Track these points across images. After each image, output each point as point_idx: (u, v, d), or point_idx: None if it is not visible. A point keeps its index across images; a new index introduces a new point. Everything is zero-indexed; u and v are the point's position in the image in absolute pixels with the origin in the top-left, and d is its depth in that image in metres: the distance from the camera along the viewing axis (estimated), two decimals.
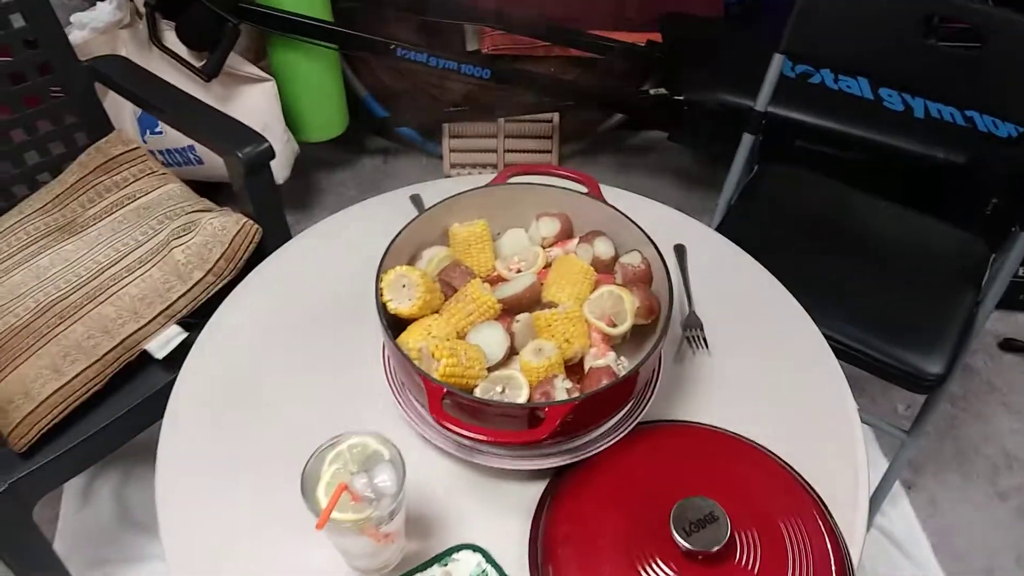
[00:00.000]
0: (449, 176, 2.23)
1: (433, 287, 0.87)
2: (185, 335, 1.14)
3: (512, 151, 2.22)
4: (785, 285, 1.05)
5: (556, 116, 2.17)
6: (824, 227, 1.42)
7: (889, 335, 1.23)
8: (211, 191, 1.44)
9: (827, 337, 0.98)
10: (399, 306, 0.84)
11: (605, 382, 0.79)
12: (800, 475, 0.83)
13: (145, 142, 1.75)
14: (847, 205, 1.45)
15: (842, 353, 1.22)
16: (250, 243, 1.21)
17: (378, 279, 0.85)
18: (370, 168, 2.28)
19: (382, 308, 0.84)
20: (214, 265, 1.18)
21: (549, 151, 2.23)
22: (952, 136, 1.74)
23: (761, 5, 2.17)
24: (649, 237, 0.90)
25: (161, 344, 1.13)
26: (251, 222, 1.22)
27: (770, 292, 1.05)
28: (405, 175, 2.27)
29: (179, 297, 1.16)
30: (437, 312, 0.88)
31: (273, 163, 1.83)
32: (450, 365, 0.77)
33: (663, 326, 0.82)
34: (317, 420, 0.88)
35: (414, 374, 0.77)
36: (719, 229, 1.40)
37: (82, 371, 1.09)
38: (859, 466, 0.85)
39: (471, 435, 0.73)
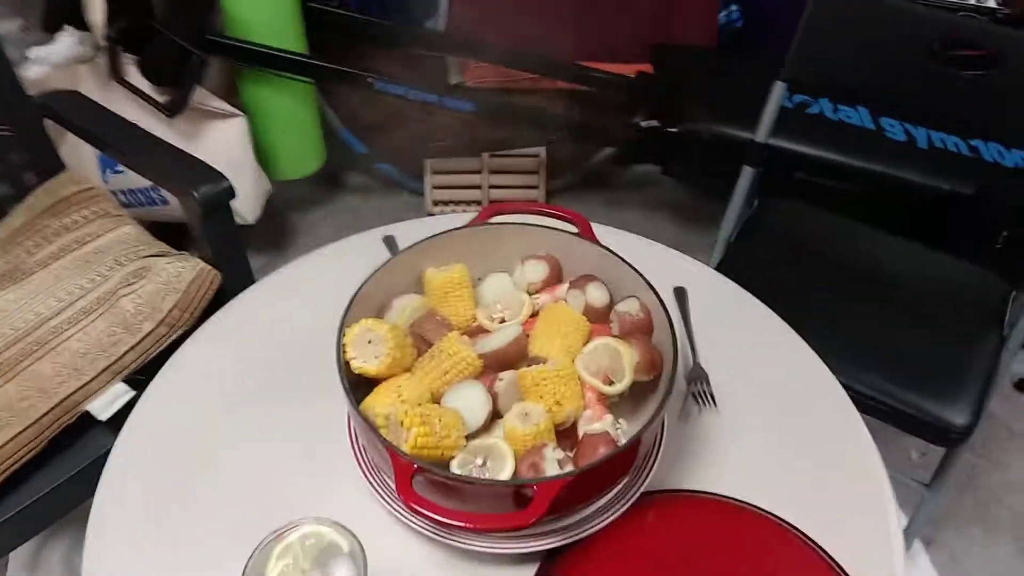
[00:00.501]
0: (431, 215, 2.14)
1: (404, 342, 0.76)
2: (132, 394, 1.02)
3: (497, 187, 2.13)
4: (794, 326, 0.95)
5: (543, 151, 2.09)
6: (831, 265, 1.32)
7: (909, 383, 1.13)
8: (179, 234, 1.34)
9: (843, 385, 0.88)
10: (364, 365, 0.74)
11: (603, 452, 0.69)
12: (826, 553, 0.72)
13: (107, 182, 1.65)
14: (854, 241, 1.36)
15: (858, 404, 1.11)
16: (207, 290, 1.11)
17: (340, 334, 0.74)
18: (347, 207, 2.18)
19: (344, 368, 0.73)
20: (167, 315, 1.07)
21: (536, 187, 2.14)
22: (957, 166, 1.67)
23: (755, 34, 2.11)
24: (648, 281, 0.80)
25: (105, 404, 1.01)
26: (209, 267, 1.11)
27: (781, 339, 0.95)
28: (385, 214, 2.18)
29: (127, 351, 1.04)
30: (409, 371, 0.77)
31: (243, 203, 1.75)
32: (422, 435, 0.66)
33: (668, 384, 0.71)
34: (274, 497, 0.77)
35: (380, 447, 0.66)
36: (719, 269, 1.30)
37: (15, 436, 0.97)
38: (892, 540, 0.74)
39: (445, 521, 0.61)
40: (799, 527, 0.74)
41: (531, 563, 0.72)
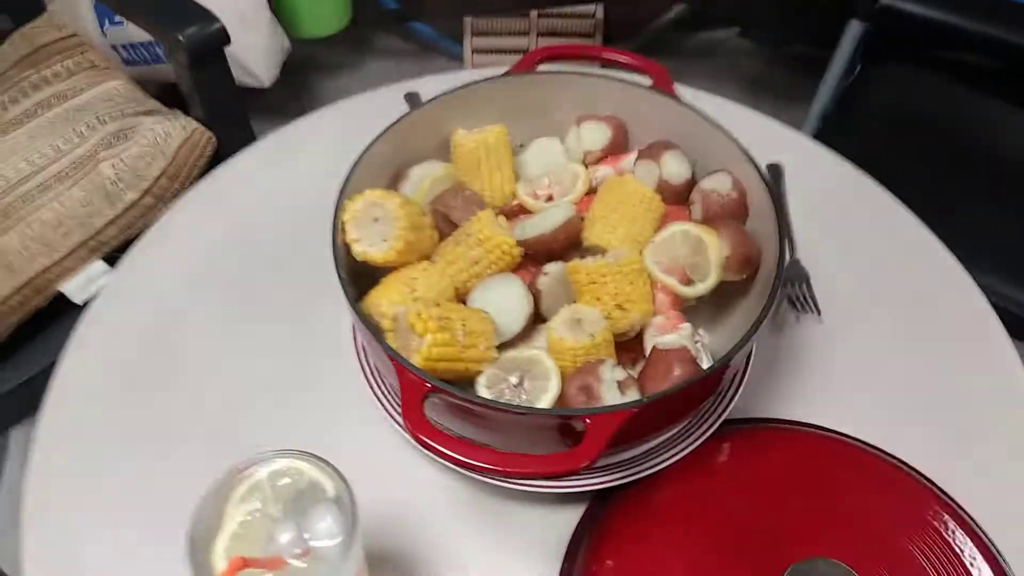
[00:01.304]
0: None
1: (421, 222, 0.58)
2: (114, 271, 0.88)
3: (547, 34, 1.88)
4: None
5: (600, 9, 1.82)
6: (957, 146, 1.09)
7: None
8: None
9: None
10: (369, 249, 0.56)
11: (678, 374, 0.51)
12: (958, 505, 0.55)
13: (104, 35, 1.45)
14: (984, 117, 1.11)
15: None
16: (200, 156, 0.94)
17: (338, 208, 0.57)
18: (377, 72, 1.96)
19: (343, 252, 0.56)
20: (153, 184, 0.91)
21: (591, 37, 1.88)
22: None
23: None
24: (745, 151, 0.60)
25: (81, 285, 0.87)
26: (203, 129, 0.94)
27: (903, 231, 0.75)
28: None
29: (106, 224, 0.89)
30: (428, 259, 0.59)
31: (256, 61, 1.54)
32: (439, 344, 0.50)
33: (770, 288, 0.53)
34: (256, 407, 0.63)
35: (384, 356, 0.50)
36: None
37: None
38: None
39: (464, 459, 0.46)
40: (924, 471, 0.57)
41: (579, 504, 0.57)
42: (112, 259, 0.89)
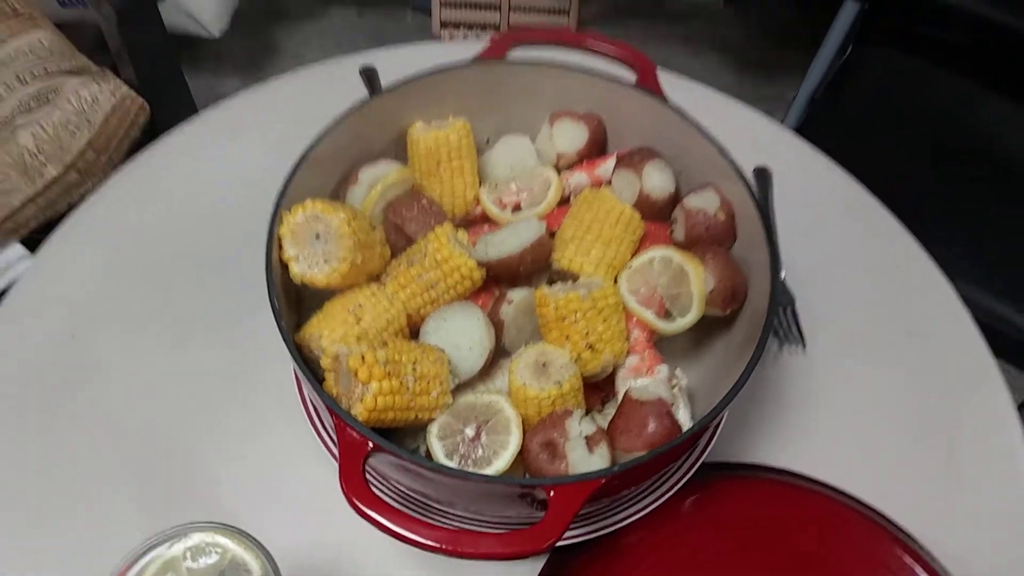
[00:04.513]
0: (438, 38, 1.80)
1: (370, 239, 0.51)
2: (32, 258, 0.79)
3: (520, 9, 1.78)
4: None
5: None
6: (946, 141, 1.03)
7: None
8: None
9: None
10: (309, 271, 0.49)
11: (653, 430, 0.46)
12: (933, 558, 0.51)
13: None
14: (974, 109, 1.06)
15: None
16: (131, 126, 0.84)
17: (274, 221, 0.49)
18: (340, 23, 1.83)
19: (278, 270, 0.49)
20: (77, 157, 0.82)
21: (566, 11, 1.78)
22: None
23: None
24: (736, 166, 0.54)
25: None
26: (133, 95, 0.84)
27: (894, 249, 0.70)
28: (384, 34, 1.83)
29: (25, 202, 0.80)
30: (377, 278, 0.53)
31: (204, 8, 1.42)
32: (385, 393, 0.44)
33: (763, 334, 0.47)
34: (185, 435, 0.56)
35: (322, 404, 0.44)
36: (801, 133, 1.03)
37: None
38: None
39: (408, 537, 0.40)
40: (904, 527, 0.53)
41: (536, 559, 0.52)
42: (31, 242, 0.80)
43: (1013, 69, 1.25)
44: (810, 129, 1.03)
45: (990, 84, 1.09)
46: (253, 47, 1.73)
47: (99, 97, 0.83)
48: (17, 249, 0.79)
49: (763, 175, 0.72)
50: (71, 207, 0.81)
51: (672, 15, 1.91)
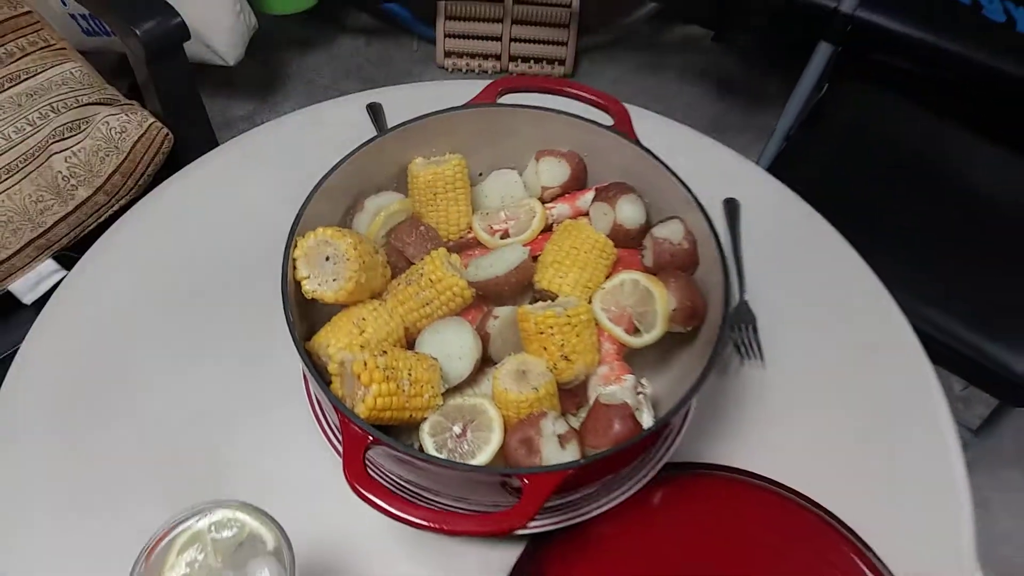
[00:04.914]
0: (443, 67, 1.88)
1: (372, 262, 0.58)
2: (63, 274, 0.86)
3: (520, 40, 1.86)
4: (858, 248, 0.76)
5: (576, 0, 1.80)
6: (908, 172, 1.11)
7: (976, 322, 0.96)
8: None
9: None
10: (320, 289, 0.56)
11: (618, 430, 0.53)
12: (879, 560, 0.58)
13: (65, 3, 1.40)
14: (938, 144, 1.14)
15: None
16: (156, 153, 0.92)
17: (290, 246, 0.56)
18: (349, 51, 1.92)
19: (293, 288, 0.56)
20: (106, 181, 0.89)
21: (564, 43, 1.87)
22: None
23: None
24: (698, 201, 0.61)
25: (30, 284, 0.86)
26: (158, 125, 0.92)
27: (848, 272, 0.76)
28: (391, 61, 1.92)
29: (57, 222, 0.87)
30: (379, 296, 0.60)
31: (221, 40, 1.50)
32: (384, 394, 0.51)
33: (714, 346, 0.54)
34: (198, 434, 0.63)
35: (329, 402, 0.51)
36: (775, 166, 1.10)
37: None
38: (963, 555, 0.60)
39: (400, 516, 0.47)
40: (846, 520, 0.59)
41: (515, 545, 0.59)
42: (62, 258, 0.87)
43: (972, 102, 1.33)
44: (785, 161, 1.10)
45: (955, 117, 1.16)
46: (266, 72, 1.81)
47: (127, 127, 0.91)
48: (50, 264, 0.86)
49: (732, 206, 0.80)
50: (99, 225, 0.89)
51: (665, 47, 1.99)
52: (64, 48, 1.07)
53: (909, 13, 1.40)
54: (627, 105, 0.68)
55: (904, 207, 1.07)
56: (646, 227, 0.64)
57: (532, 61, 1.89)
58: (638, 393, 0.57)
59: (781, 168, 1.08)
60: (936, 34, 1.40)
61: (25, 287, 0.85)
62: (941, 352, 0.97)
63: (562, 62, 1.89)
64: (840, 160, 1.10)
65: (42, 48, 1.05)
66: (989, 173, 1.13)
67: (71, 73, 1.02)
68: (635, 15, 1.91)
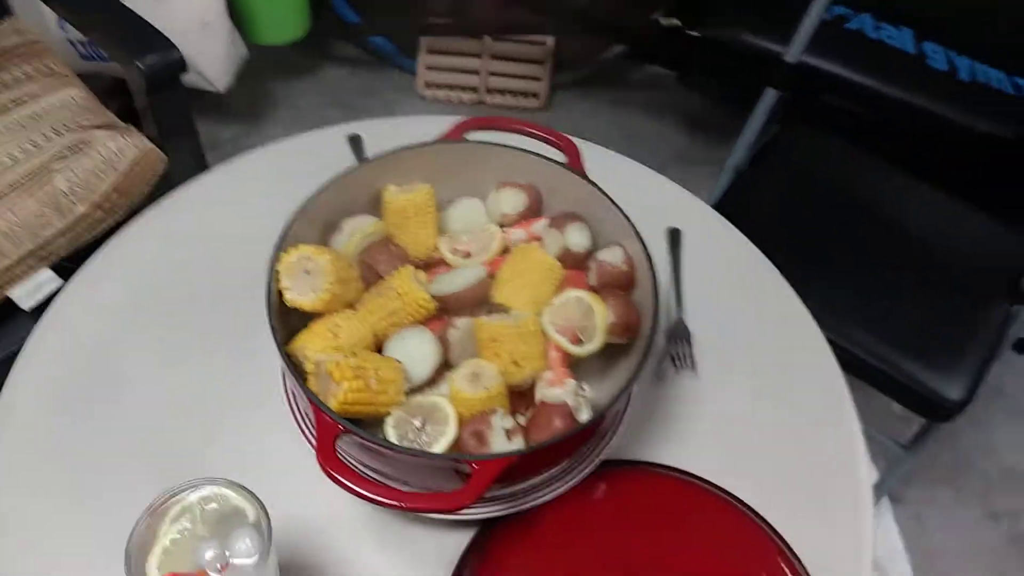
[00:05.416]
0: (423, 97, 1.98)
1: (347, 275, 0.66)
2: (59, 283, 0.93)
3: (498, 74, 1.96)
4: (795, 277, 0.85)
5: (551, 40, 1.91)
6: (847, 208, 1.21)
7: (905, 349, 1.05)
8: None
9: (835, 345, 0.80)
10: (299, 298, 0.64)
11: (557, 426, 0.61)
12: (790, 549, 0.66)
13: (63, 29, 1.48)
14: (876, 183, 1.24)
15: (848, 364, 1.04)
16: (151, 175, 0.99)
17: (274, 258, 0.64)
18: (334, 79, 2.01)
19: (275, 297, 0.63)
20: (103, 198, 0.96)
21: (540, 79, 1.97)
22: (999, 106, 1.51)
23: None
24: (636, 230, 0.70)
25: (29, 292, 0.92)
26: (154, 149, 0.99)
27: (774, 295, 0.85)
28: (373, 90, 2.01)
29: (55, 235, 0.94)
30: (351, 306, 0.67)
31: (213, 67, 1.59)
32: (353, 391, 0.58)
33: (641, 355, 0.62)
34: (189, 426, 0.70)
35: (305, 397, 0.58)
36: (723, 202, 1.20)
37: None
38: (863, 545, 0.68)
39: (365, 494, 0.54)
40: (763, 513, 0.67)
41: (467, 529, 0.66)
42: (58, 268, 0.94)
43: (913, 146, 1.44)
44: (733, 196, 1.20)
45: (890, 154, 1.27)
46: (253, 97, 1.90)
47: (124, 149, 0.98)
48: (47, 273, 0.93)
49: (675, 235, 0.89)
50: (95, 239, 0.96)
51: (635, 84, 2.11)
52: (67, 75, 1.14)
53: (855, 60, 1.52)
54: (588, 142, 0.77)
55: (843, 242, 1.17)
56: (591, 251, 0.72)
57: (508, 94, 1.99)
58: (578, 395, 0.65)
59: (729, 202, 1.18)
60: (880, 80, 1.52)
61: (24, 293, 0.91)
62: (877, 377, 1.07)
63: (536, 96, 1.99)
64: (784, 196, 1.20)
65: (47, 75, 1.13)
66: (926, 213, 1.23)
67: (72, 99, 1.09)
68: (606, 54, 2.02)
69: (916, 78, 1.54)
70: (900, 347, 1.05)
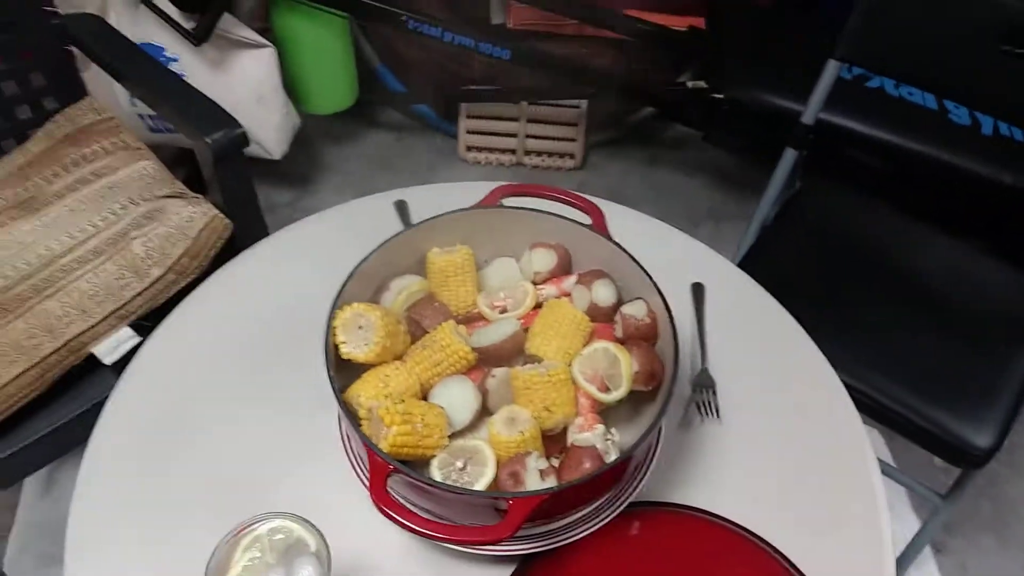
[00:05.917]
0: (464, 160, 2.09)
1: (396, 330, 0.73)
2: (138, 340, 1.03)
3: (534, 136, 2.06)
4: (819, 328, 0.90)
5: (585, 103, 2.01)
6: (871, 261, 1.25)
7: (932, 398, 1.07)
8: None
9: (862, 394, 0.84)
10: (353, 351, 0.71)
11: (587, 467, 0.66)
12: None
13: (135, 105, 1.62)
14: (899, 236, 1.28)
15: (877, 415, 1.07)
16: (218, 239, 1.09)
17: (331, 316, 0.72)
18: (380, 145, 2.13)
19: (332, 351, 0.71)
20: (176, 261, 1.06)
21: (574, 139, 2.07)
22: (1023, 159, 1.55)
23: None
24: (656, 285, 0.76)
25: (110, 348, 1.01)
26: (221, 216, 1.09)
27: (796, 347, 0.90)
28: (417, 155, 2.13)
29: (134, 296, 1.04)
30: (400, 358, 0.74)
31: (269, 136, 1.72)
32: (402, 434, 0.65)
33: (663, 400, 0.68)
34: (258, 468, 0.77)
35: (359, 440, 0.65)
36: (749, 255, 1.25)
37: (20, 374, 0.98)
38: None
39: (413, 527, 0.60)
40: (787, 554, 0.71)
41: (508, 565, 0.71)
42: (137, 326, 1.03)
43: (933, 194, 1.48)
44: (758, 251, 1.25)
45: (914, 208, 1.31)
46: (306, 162, 2.02)
47: (195, 217, 1.09)
48: (127, 331, 1.02)
49: (699, 289, 0.95)
50: (169, 300, 1.06)
51: (666, 142, 2.19)
52: (139, 148, 1.26)
53: (877, 116, 1.58)
54: (619, 204, 0.84)
55: (864, 292, 1.21)
56: (617, 305, 0.79)
57: (545, 155, 2.09)
58: (607, 439, 0.70)
59: (753, 255, 1.23)
60: (903, 135, 1.58)
61: (106, 350, 1.01)
62: (907, 426, 1.09)
63: (572, 156, 2.08)
64: (805, 249, 1.25)
65: (121, 149, 1.25)
66: (947, 262, 1.27)
67: (146, 170, 1.20)
68: (638, 115, 2.11)
69: (939, 133, 1.59)
70: (927, 394, 1.08)
